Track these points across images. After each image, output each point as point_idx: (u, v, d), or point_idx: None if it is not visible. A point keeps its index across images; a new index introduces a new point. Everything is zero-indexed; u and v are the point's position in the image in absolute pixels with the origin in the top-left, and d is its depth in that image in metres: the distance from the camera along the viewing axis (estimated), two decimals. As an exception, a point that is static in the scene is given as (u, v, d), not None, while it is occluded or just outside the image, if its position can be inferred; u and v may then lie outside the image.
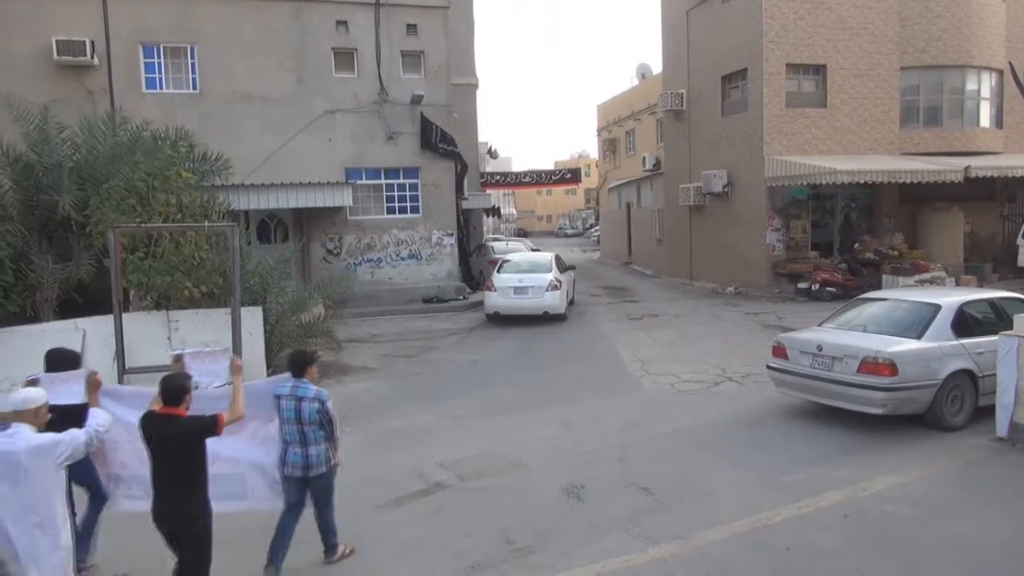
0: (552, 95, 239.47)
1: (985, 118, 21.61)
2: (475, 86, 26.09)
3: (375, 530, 6.33)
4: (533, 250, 26.29)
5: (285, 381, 5.64)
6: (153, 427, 4.58)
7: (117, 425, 5.00)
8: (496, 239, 33.91)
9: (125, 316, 9.83)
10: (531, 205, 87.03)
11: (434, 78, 20.38)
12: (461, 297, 20.64)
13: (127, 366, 8.44)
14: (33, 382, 5.05)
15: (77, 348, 10.55)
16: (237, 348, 9.56)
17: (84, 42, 17.11)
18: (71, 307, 12.12)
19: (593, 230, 61.03)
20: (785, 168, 19.71)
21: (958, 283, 18.78)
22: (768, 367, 9.42)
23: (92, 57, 17.25)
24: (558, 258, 18.94)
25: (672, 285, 25.12)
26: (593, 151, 56.23)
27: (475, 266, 23.52)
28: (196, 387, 5.05)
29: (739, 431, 8.76)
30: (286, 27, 19.07)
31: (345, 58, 19.70)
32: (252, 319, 10.57)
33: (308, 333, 12.38)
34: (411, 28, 20.10)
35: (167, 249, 11.20)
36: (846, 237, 21.75)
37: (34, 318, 11.80)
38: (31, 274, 11.74)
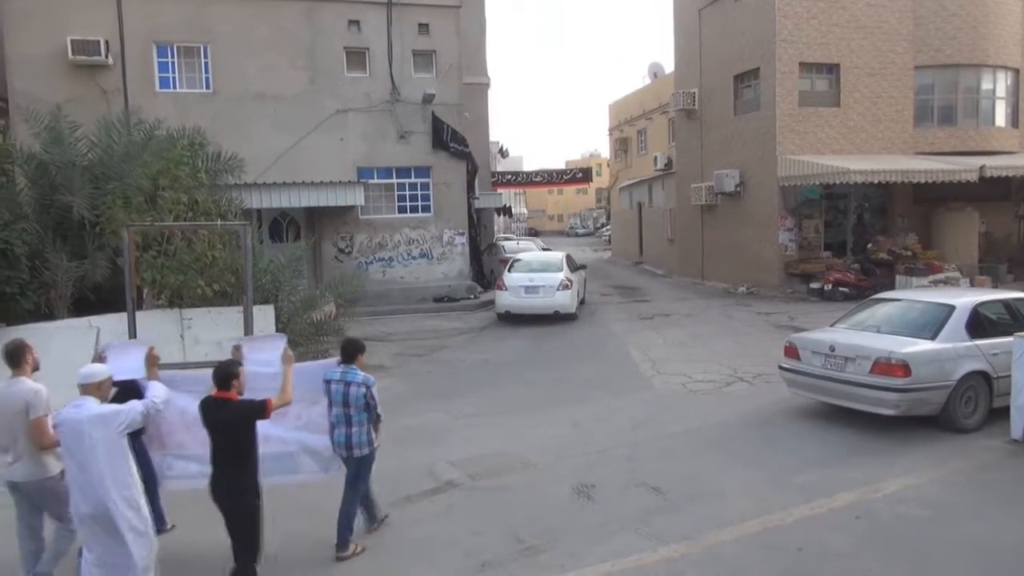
0: (564, 94, 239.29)
1: (1001, 117, 21.43)
2: (486, 85, 26.10)
3: (386, 528, 6.34)
4: (544, 249, 26.30)
5: (335, 367, 6.00)
6: (209, 410, 5.03)
7: (172, 405, 5.39)
8: (507, 238, 33.93)
9: (138, 314, 9.90)
10: (542, 204, 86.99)
11: (445, 77, 20.41)
12: (472, 296, 20.65)
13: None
14: (102, 357, 5.57)
15: (91, 346, 10.65)
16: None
17: (99, 42, 17.23)
18: (85, 305, 12.22)
19: (604, 229, 60.92)
20: (798, 168, 19.61)
21: (972, 284, 18.63)
22: (780, 367, 9.38)
23: (107, 57, 17.37)
24: (569, 257, 18.93)
25: (683, 285, 25.05)
26: (604, 150, 56.16)
27: (486, 265, 23.54)
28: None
29: (750, 431, 8.73)
30: (298, 26, 19.14)
31: (357, 57, 19.75)
32: (264, 317, 10.62)
33: (319, 331, 12.42)
34: (423, 27, 20.13)
35: (179, 248, 11.27)
36: (859, 237, 21.62)
37: (49, 315, 11.90)
38: (46, 272, 11.84)
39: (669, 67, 30.87)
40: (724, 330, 15.57)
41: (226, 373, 5.06)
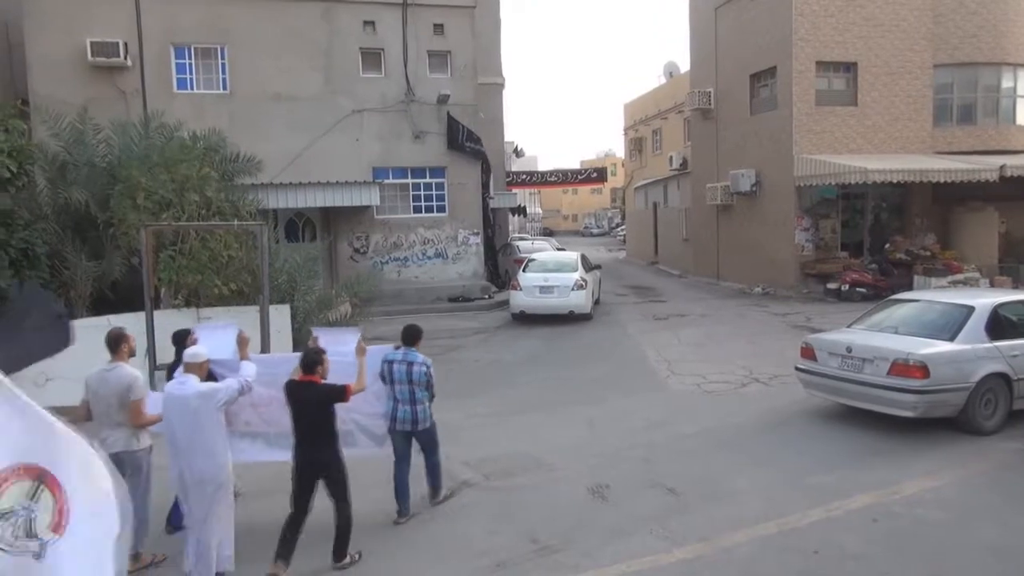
0: (578, 94, 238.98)
1: (1021, 116, 21.17)
2: (501, 85, 26.11)
3: (401, 527, 6.37)
4: (559, 249, 26.27)
5: (394, 350, 6.61)
6: (295, 392, 5.63)
7: (259, 383, 5.89)
8: (522, 238, 33.91)
9: (156, 313, 10.00)
10: (557, 204, 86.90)
11: (460, 78, 20.45)
12: (486, 296, 20.68)
13: (157, 362, 8.58)
14: (193, 339, 6.14)
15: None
16: (265, 346, 9.68)
17: (117, 43, 17.41)
18: (104, 304, 12.35)
19: (619, 229, 60.79)
20: (814, 167, 19.48)
21: (992, 284, 18.42)
22: (796, 368, 9.32)
23: (125, 58, 17.55)
24: (584, 257, 18.90)
25: (699, 285, 24.95)
26: (619, 150, 56.01)
27: (501, 265, 23.56)
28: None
29: (766, 432, 8.68)
30: (314, 27, 19.24)
31: (372, 58, 19.83)
32: (280, 317, 10.70)
33: None
34: (438, 28, 20.18)
35: (194, 247, 11.36)
36: (876, 237, 21.45)
37: (68, 314, 12.03)
38: (65, 272, 11.98)
39: (685, 66, 30.78)
40: (739, 331, 15.49)
41: (312, 360, 5.70)
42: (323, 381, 5.66)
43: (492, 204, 23.29)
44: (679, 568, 5.43)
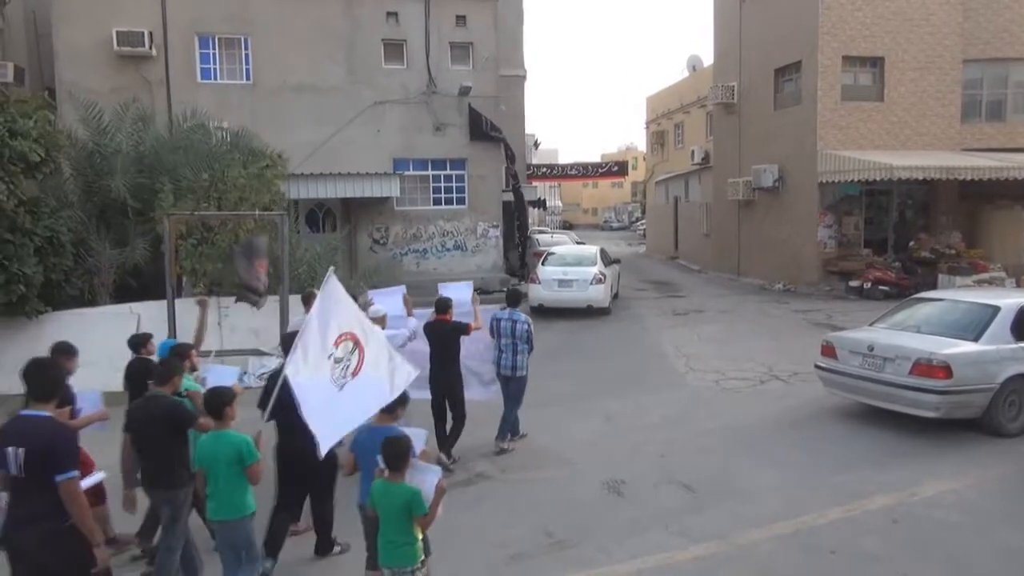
0: (600, 87, 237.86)
1: (1052, 113, 20.76)
2: (523, 77, 26.04)
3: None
4: (578, 243, 26.18)
5: (501, 310, 8.16)
6: (433, 327, 7.54)
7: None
8: (541, 231, 33.84)
9: (177, 301, 10.10)
10: (577, 198, 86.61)
11: (482, 70, 20.41)
12: (505, 289, 20.65)
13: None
14: (369, 302, 7.82)
15: (132, 330, 10.87)
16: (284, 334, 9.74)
17: (143, 33, 17.57)
18: (126, 291, 12.49)
19: (639, 224, 60.47)
20: (839, 163, 19.24)
21: (1019, 284, 18.12)
22: (816, 366, 9.24)
23: (150, 48, 17.70)
24: (603, 251, 18.82)
25: (719, 281, 24.79)
26: (641, 144, 55.71)
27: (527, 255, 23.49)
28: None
29: (785, 430, 8.61)
30: (338, 19, 19.29)
31: (395, 49, 19.85)
32: (300, 306, 10.77)
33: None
34: (460, 19, 20.15)
35: (225, 238, 11.47)
36: (901, 235, 21.15)
37: (91, 302, 12.19)
38: (89, 259, 12.12)
39: (708, 60, 30.51)
40: (759, 327, 15.38)
41: (446, 304, 7.64)
42: (452, 320, 7.57)
43: (511, 197, 23.24)
44: (695, 565, 5.41)
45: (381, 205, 19.93)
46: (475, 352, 8.10)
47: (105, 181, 12.87)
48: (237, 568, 4.79)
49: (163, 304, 10.41)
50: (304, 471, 5.47)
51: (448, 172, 20.71)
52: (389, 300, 8.02)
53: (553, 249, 19.84)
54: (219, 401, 4.73)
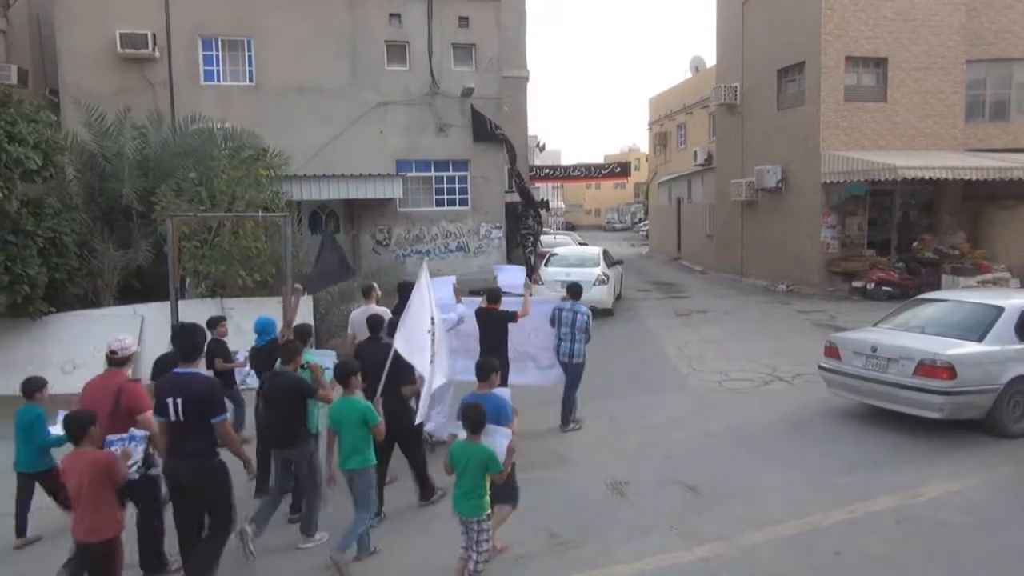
0: (603, 87, 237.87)
1: (1056, 113, 20.73)
2: (526, 79, 26.02)
3: (419, 519, 6.41)
4: (581, 244, 26.17)
5: (563, 301, 8.80)
6: (483, 314, 8.22)
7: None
8: (544, 232, 33.81)
9: (181, 303, 10.11)
10: (579, 199, 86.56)
11: (485, 71, 20.41)
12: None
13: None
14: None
15: (135, 333, 10.89)
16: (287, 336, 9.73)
17: (146, 35, 17.58)
18: (130, 293, 12.51)
19: (642, 225, 60.42)
20: (842, 164, 19.22)
21: (1023, 284, 18.09)
22: (820, 367, 9.23)
23: (153, 50, 17.71)
24: (606, 252, 18.82)
25: (722, 281, 24.76)
26: (643, 145, 55.66)
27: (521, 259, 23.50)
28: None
29: (788, 431, 8.60)
30: (340, 20, 19.30)
31: (397, 51, 19.85)
32: (303, 307, 10.78)
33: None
34: (463, 20, 20.15)
35: (226, 239, 11.47)
36: (904, 235, 21.11)
37: (95, 303, 12.21)
38: (93, 260, 12.14)
39: (711, 61, 30.47)
40: (763, 328, 15.36)
41: (497, 294, 8.31)
42: (499, 308, 8.19)
43: (514, 197, 23.23)
44: (698, 567, 5.40)
45: (384, 206, 19.93)
46: (535, 339, 8.88)
47: (109, 184, 12.90)
48: (365, 509, 5.60)
49: (167, 305, 10.43)
50: (396, 429, 6.09)
51: (451, 173, 20.70)
52: (440, 289, 8.37)
53: (556, 250, 19.84)
54: (346, 372, 5.64)
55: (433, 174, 20.64)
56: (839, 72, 19.92)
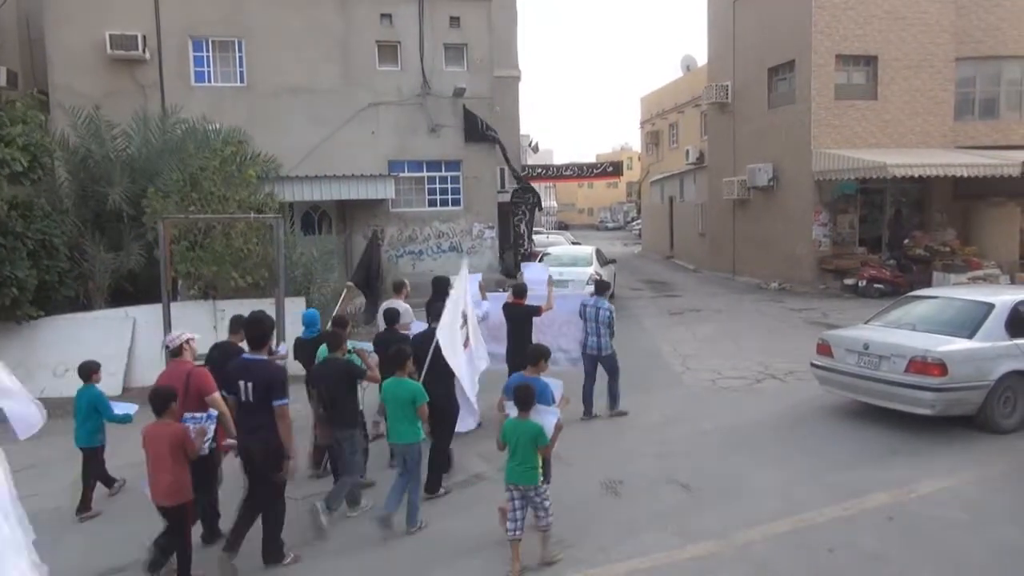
0: (595, 87, 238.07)
1: (1045, 110, 20.84)
2: (517, 78, 26.05)
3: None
4: (574, 243, 26.19)
5: (589, 297, 9.34)
6: (509, 310, 8.72)
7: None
8: (537, 232, 33.79)
9: (173, 305, 10.07)
10: (572, 198, 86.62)
11: (477, 71, 20.42)
12: (501, 290, 20.61)
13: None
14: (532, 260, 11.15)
15: (128, 334, 10.84)
16: (282, 338, 9.71)
17: (136, 36, 17.52)
18: (122, 295, 12.45)
19: (634, 224, 60.52)
20: (833, 162, 19.29)
21: (1013, 281, 18.19)
22: (812, 365, 9.26)
23: (143, 51, 17.65)
24: (599, 252, 18.84)
25: (714, 280, 24.82)
26: (635, 144, 55.64)
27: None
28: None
29: (782, 429, 8.63)
30: (331, 20, 19.27)
31: (389, 51, 19.84)
32: (296, 309, 10.77)
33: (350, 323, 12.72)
34: (454, 20, 20.15)
35: (217, 241, 11.41)
36: (895, 233, 21.22)
37: (87, 306, 12.14)
38: (84, 263, 12.07)
39: (702, 60, 30.55)
40: (755, 326, 15.40)
41: (523, 289, 8.81)
42: (525, 303, 8.67)
43: (506, 197, 23.20)
44: (693, 565, 5.41)
45: (376, 207, 19.90)
46: (567, 331, 9.50)
47: (99, 187, 12.83)
48: (406, 479, 6.12)
49: (158, 308, 10.38)
50: (437, 413, 6.56)
51: (443, 173, 20.70)
52: (473, 284, 9.21)
53: (549, 249, 19.84)
54: (399, 357, 6.14)
55: (425, 174, 20.63)
56: (829, 70, 20.00)
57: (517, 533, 5.40)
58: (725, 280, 24.43)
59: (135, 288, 12.41)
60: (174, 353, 6.10)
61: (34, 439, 4.93)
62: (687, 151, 30.60)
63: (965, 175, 18.44)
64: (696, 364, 12.06)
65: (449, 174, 20.71)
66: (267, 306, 11.26)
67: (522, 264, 10.31)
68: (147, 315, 11.38)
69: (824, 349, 9.04)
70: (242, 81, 18.87)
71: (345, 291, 9.25)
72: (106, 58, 17.51)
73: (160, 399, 5.33)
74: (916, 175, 18.37)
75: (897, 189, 21.04)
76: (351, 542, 6.02)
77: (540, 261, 17.85)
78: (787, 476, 7.05)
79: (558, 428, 5.56)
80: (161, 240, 9.44)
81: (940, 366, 7.70)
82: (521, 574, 5.34)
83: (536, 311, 8.62)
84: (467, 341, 6.40)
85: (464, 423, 7.95)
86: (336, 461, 6.73)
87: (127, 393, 10.95)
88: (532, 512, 5.49)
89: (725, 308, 18.10)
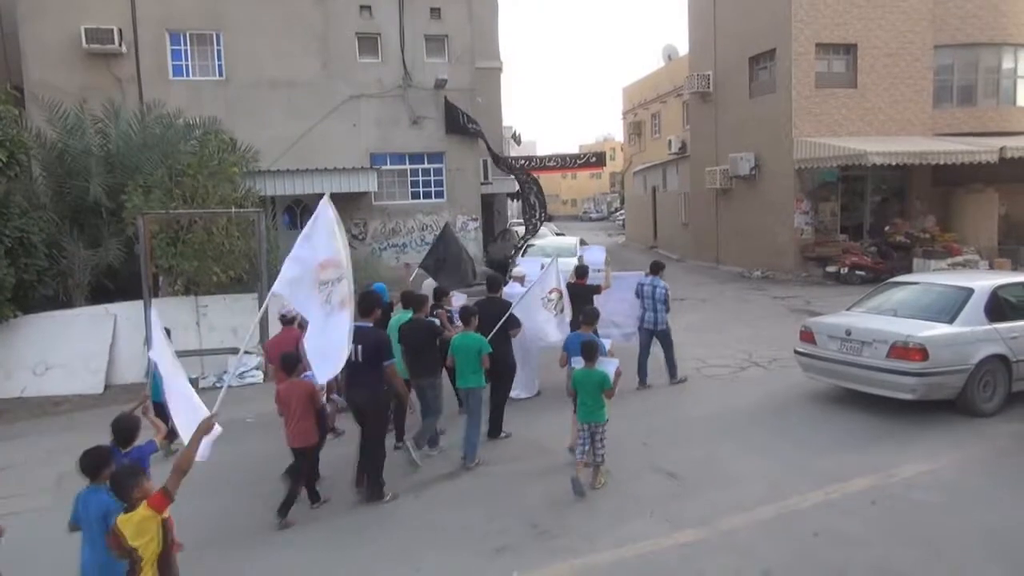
0: (577, 78, 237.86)
1: (1022, 97, 21.03)
2: (499, 70, 25.96)
3: (401, 512, 6.39)
4: (558, 234, 26.20)
5: (645, 276, 10.19)
6: (574, 289, 9.28)
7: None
8: (517, 223, 33.77)
9: (155, 301, 9.99)
10: (556, 189, 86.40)
11: (458, 62, 20.32)
12: (484, 282, 20.62)
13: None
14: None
15: (109, 331, 10.74)
16: (265, 331, 9.66)
17: (112, 30, 17.27)
18: (102, 293, 12.31)
19: (618, 214, 60.62)
20: (814, 150, 19.40)
21: (992, 266, 18.39)
22: (795, 352, 9.33)
23: (120, 45, 17.41)
24: (583, 242, 18.83)
25: (698, 269, 24.92)
26: (618, 134, 55.77)
27: (500, 251, 23.48)
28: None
29: (765, 416, 8.69)
30: (311, 12, 19.10)
31: (369, 43, 19.69)
32: (277, 303, 10.73)
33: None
34: (434, 12, 20.03)
35: (198, 235, 11.30)
36: (876, 220, 21.39)
37: (66, 303, 11.99)
38: (63, 260, 11.92)
39: (684, 49, 30.58)
40: (739, 314, 15.49)
41: (584, 270, 9.82)
42: (587, 282, 9.71)
43: (490, 189, 23.17)
44: (679, 552, 5.44)
45: (359, 200, 19.80)
46: (621, 307, 10.25)
47: (76, 182, 12.67)
48: (477, 422, 7.41)
49: (139, 304, 10.28)
50: (498, 367, 7.77)
51: (426, 166, 20.61)
52: (528, 266, 10.72)
53: (533, 241, 19.83)
54: (468, 314, 7.40)
55: (408, 167, 20.54)
56: (809, 59, 20.09)
57: (584, 458, 6.60)
58: (709, 269, 24.53)
59: (115, 285, 12.27)
60: (287, 322, 7.58)
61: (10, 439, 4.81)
62: (670, 141, 30.65)
63: (942, 162, 18.62)
64: (680, 353, 12.02)
65: (432, 166, 20.63)
66: (250, 301, 11.19)
67: (581, 248, 11.09)
68: (128, 312, 11.26)
69: (807, 336, 9.11)
70: (221, 74, 18.68)
71: (415, 274, 10.71)
72: (82, 52, 17.25)
73: (291, 361, 6.48)
74: (895, 163, 18.52)
75: (878, 177, 21.21)
76: (431, 478, 7.10)
77: (524, 253, 17.89)
78: (771, 462, 7.11)
79: (618, 374, 6.61)
80: (141, 235, 9.34)
81: (921, 351, 7.79)
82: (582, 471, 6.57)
83: (596, 289, 9.55)
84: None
85: (528, 389, 9.49)
86: (400, 417, 7.98)
87: (109, 391, 10.86)
88: (591, 446, 6.56)
89: (709, 297, 18.18)
